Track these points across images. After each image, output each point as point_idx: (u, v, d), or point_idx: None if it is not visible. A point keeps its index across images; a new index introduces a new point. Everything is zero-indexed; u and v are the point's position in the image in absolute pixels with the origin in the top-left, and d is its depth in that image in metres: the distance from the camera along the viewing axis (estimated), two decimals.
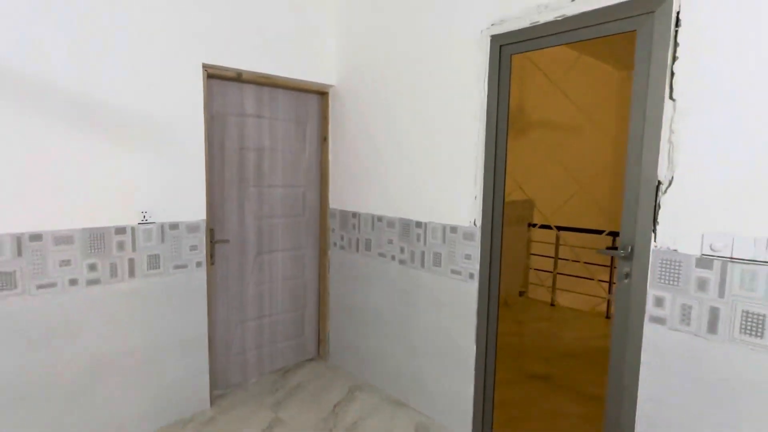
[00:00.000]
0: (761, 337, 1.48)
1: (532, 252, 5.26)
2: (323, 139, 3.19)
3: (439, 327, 2.54)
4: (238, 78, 2.67)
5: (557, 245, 5.02)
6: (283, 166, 3.03)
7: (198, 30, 2.43)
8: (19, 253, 1.98)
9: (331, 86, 3.10)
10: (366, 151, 2.90)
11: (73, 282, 2.13)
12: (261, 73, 2.74)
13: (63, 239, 2.09)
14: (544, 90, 2.26)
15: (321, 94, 3.14)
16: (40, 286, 2.04)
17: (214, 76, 2.56)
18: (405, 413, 2.69)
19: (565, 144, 2.41)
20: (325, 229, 3.24)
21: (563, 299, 5.05)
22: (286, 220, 3.09)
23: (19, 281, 1.99)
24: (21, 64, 1.92)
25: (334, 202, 3.18)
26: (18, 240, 1.97)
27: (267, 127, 2.91)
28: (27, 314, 2.02)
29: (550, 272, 5.20)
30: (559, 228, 4.22)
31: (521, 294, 5.31)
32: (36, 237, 2.02)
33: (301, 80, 2.94)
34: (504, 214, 2.29)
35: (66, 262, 2.10)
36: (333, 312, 3.26)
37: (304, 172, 3.15)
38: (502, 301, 3.39)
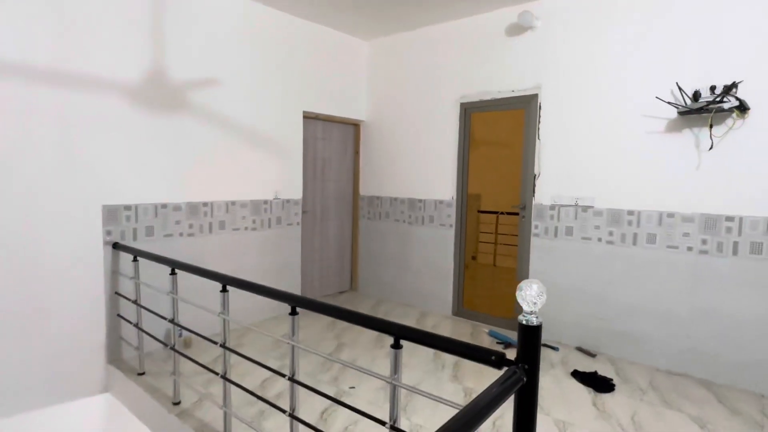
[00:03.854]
0: (572, 236, 3.69)
1: (481, 230, 7.82)
2: (356, 152, 5.21)
3: (431, 258, 4.62)
4: (316, 117, 4.65)
5: (497, 224, 7.54)
6: (335, 169, 5.02)
7: (301, 95, 4.40)
8: (227, 210, 3.86)
9: (362, 120, 5.15)
10: (383, 158, 4.96)
11: (246, 228, 4.02)
12: (326, 114, 4.74)
13: (244, 204, 3.99)
14: (491, 129, 4.44)
15: (356, 125, 5.16)
16: (233, 229, 3.92)
17: (306, 117, 4.53)
18: (413, 309, 4.75)
19: (498, 157, 4.63)
20: (357, 207, 5.25)
21: (500, 261, 7.60)
22: (335, 201, 5.08)
23: (215, 227, 3.86)
24: (227, 115, 3.83)
25: (363, 191, 5.20)
26: (226, 204, 3.85)
27: (328, 145, 4.90)
28: (224, 244, 3.89)
29: (493, 243, 7.72)
30: (493, 212, 6.81)
31: (473, 258, 7.83)
32: (232, 203, 3.90)
33: (346, 117, 4.96)
34: (468, 195, 4.42)
35: (244, 218, 4.00)
36: (361, 259, 5.27)
37: (346, 172, 5.15)
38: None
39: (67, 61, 2.90)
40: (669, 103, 3.09)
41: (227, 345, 2.24)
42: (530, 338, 1.21)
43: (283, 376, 1.92)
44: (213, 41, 3.68)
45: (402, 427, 1.55)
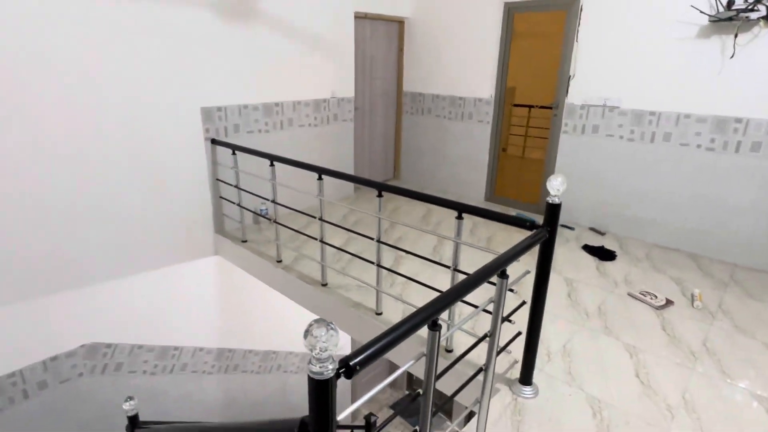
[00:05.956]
0: (597, 133, 4.18)
1: (513, 123, 8.30)
2: (400, 50, 5.52)
3: (468, 151, 5.20)
4: (365, 16, 4.93)
5: (528, 117, 7.96)
6: (381, 66, 5.40)
7: None
8: (294, 109, 4.44)
9: (406, 17, 5.36)
10: (426, 56, 5.29)
11: (309, 125, 4.63)
12: (373, 13, 4.99)
13: (307, 104, 4.55)
14: (532, 30, 4.67)
15: (400, 22, 5.40)
16: (299, 126, 4.54)
17: (356, 16, 4.82)
18: (449, 195, 5.47)
19: (537, 55, 4.92)
20: (400, 103, 5.73)
21: (528, 153, 8.18)
22: (381, 98, 5.55)
23: (285, 124, 4.48)
24: (290, 20, 4.20)
25: (407, 87, 5.63)
26: (293, 104, 4.42)
27: (375, 43, 5.23)
28: (292, 139, 4.53)
29: (523, 136, 8.23)
30: (528, 106, 7.26)
31: (504, 150, 8.39)
32: (298, 103, 4.47)
33: (390, 15, 5.20)
34: (505, 92, 4.83)
35: (307, 116, 4.58)
36: (404, 151, 5.89)
37: (390, 70, 5.53)
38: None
39: None
40: (702, 11, 3.34)
41: (323, 218, 3.03)
42: (553, 212, 1.89)
43: (372, 239, 2.71)
44: None
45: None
